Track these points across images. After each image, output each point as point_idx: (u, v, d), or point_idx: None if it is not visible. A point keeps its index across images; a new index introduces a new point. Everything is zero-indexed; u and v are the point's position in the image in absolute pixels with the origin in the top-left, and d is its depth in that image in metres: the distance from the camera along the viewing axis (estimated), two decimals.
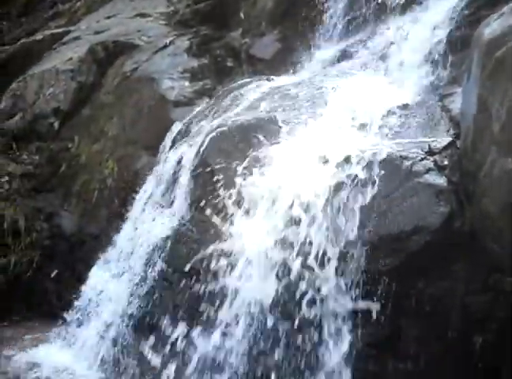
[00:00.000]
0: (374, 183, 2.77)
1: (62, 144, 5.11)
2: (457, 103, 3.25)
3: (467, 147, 2.77)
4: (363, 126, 3.32)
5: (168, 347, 3.13)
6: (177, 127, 4.11)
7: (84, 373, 3.72)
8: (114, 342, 3.65)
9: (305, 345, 2.81)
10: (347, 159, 2.87)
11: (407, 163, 2.83)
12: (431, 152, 2.90)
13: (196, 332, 3.02)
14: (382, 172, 2.79)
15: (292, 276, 2.76)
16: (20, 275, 4.73)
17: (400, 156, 2.87)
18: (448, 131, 3.14)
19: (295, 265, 2.75)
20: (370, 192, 2.74)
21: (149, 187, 3.95)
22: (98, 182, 4.57)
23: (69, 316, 4.07)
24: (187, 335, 3.08)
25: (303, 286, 2.74)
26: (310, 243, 2.75)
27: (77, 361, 3.81)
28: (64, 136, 5.17)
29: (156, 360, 3.19)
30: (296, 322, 2.76)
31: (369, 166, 2.82)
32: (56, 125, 5.25)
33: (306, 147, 3.10)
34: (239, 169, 3.23)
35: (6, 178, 5.27)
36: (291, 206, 2.83)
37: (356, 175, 2.78)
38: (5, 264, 4.82)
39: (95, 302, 3.90)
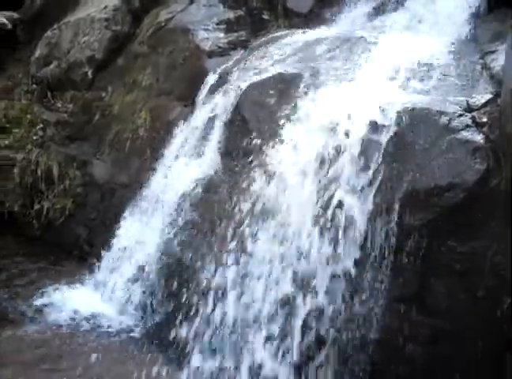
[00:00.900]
0: (410, 137, 2.72)
1: (95, 94, 5.13)
2: (499, 60, 3.16)
3: (507, 105, 2.70)
4: (400, 81, 3.26)
5: (199, 288, 3.19)
6: (211, 78, 4.09)
7: (115, 316, 3.83)
8: (144, 287, 3.74)
9: None
10: (384, 112, 2.82)
11: (444, 119, 2.78)
12: (469, 109, 2.84)
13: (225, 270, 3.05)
14: (419, 127, 2.75)
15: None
16: (53, 221, 4.83)
17: (438, 112, 2.82)
18: (488, 89, 3.07)
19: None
20: (407, 146, 2.70)
21: (182, 137, 3.96)
22: (130, 132, 4.58)
23: (100, 261, 4.17)
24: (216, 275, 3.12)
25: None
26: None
27: (108, 305, 3.92)
28: (98, 85, 5.18)
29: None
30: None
31: (406, 120, 2.77)
32: (90, 74, 5.25)
33: (343, 99, 3.05)
34: (274, 119, 3.21)
35: (41, 125, 5.33)
36: (326, 153, 2.80)
37: (393, 128, 2.74)
38: (38, 211, 4.93)
39: (125, 249, 3.98)
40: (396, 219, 2.70)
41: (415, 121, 2.79)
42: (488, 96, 2.91)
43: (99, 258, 4.16)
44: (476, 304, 2.73)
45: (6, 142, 5.55)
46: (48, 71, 5.52)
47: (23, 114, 5.56)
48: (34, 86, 5.67)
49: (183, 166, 3.80)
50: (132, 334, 3.68)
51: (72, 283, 4.21)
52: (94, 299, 4.02)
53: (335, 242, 2.80)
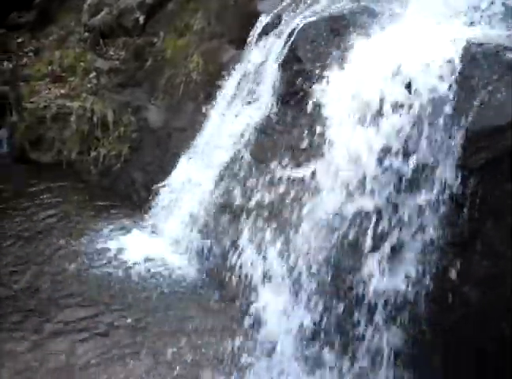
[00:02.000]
0: (474, 73, 2.62)
1: (147, 39, 5.14)
2: None
3: None
4: (463, 18, 3.12)
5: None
6: (264, 20, 4.01)
7: (172, 259, 3.93)
8: (199, 230, 3.81)
9: None
10: (445, 49, 2.71)
11: (508, 55, 2.66)
12: None
13: None
14: (484, 63, 2.64)
15: None
16: (109, 167, 4.94)
17: (505, 48, 2.69)
18: None
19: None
20: (470, 82, 2.60)
21: (235, 80, 3.94)
22: (183, 76, 4.59)
23: (156, 206, 4.25)
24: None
25: None
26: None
27: (165, 248, 4.01)
28: (149, 31, 5.18)
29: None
30: None
31: (470, 56, 2.66)
32: (141, 19, 5.25)
33: (401, 38, 2.95)
34: (329, 60, 3.15)
35: (94, 73, 5.40)
36: (388, 95, 2.73)
37: (456, 65, 2.64)
38: (95, 157, 5.04)
39: (181, 192, 4.04)
40: (456, 158, 2.63)
41: (480, 57, 2.67)
42: None
43: (155, 201, 4.25)
44: None
45: (62, 91, 5.65)
46: (100, 18, 5.56)
47: (77, 62, 5.63)
48: (86, 34, 5.72)
49: (238, 109, 3.79)
50: (188, 275, 3.77)
51: (129, 227, 4.32)
52: (151, 242, 4.12)
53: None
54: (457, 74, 2.63)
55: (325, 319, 2.85)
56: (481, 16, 3.15)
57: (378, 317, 2.75)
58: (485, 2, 3.22)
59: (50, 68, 5.89)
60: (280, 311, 2.99)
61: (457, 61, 2.63)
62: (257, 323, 3.04)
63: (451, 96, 2.66)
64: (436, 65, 2.63)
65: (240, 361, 2.94)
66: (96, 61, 5.39)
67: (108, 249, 4.05)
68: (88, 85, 5.29)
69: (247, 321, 3.08)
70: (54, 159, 5.21)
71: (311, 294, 2.91)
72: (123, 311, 3.43)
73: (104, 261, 3.93)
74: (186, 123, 4.44)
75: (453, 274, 2.77)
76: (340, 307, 2.82)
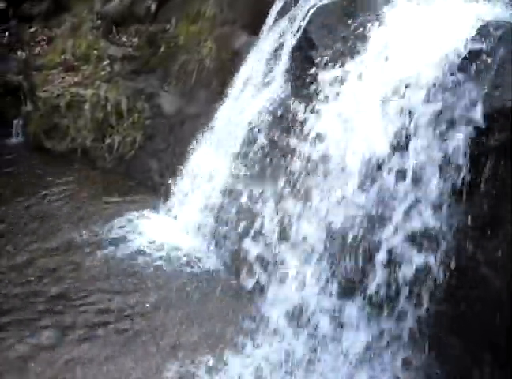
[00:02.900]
0: (491, 53, 2.60)
1: (159, 26, 5.14)
2: None
3: None
4: None
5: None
6: (277, 5, 4.00)
7: (186, 243, 3.95)
8: (216, 215, 3.84)
9: None
10: (465, 27, 2.69)
11: None
12: None
13: None
14: (503, 42, 2.62)
15: None
16: (124, 154, 4.97)
17: None
18: None
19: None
20: (487, 60, 2.58)
21: (249, 66, 3.93)
22: (196, 63, 4.59)
23: (172, 191, 4.28)
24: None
25: None
26: None
27: (181, 233, 4.04)
28: (161, 18, 5.19)
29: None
30: None
31: (489, 35, 2.64)
32: (153, 7, 5.27)
33: (415, 19, 2.93)
34: (343, 44, 3.14)
35: (107, 61, 5.41)
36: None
37: (476, 43, 2.62)
38: (110, 144, 5.07)
39: (196, 177, 4.06)
40: (474, 137, 2.62)
41: (501, 35, 2.65)
42: None
43: (170, 188, 4.27)
44: None
45: (76, 79, 5.68)
46: (112, 6, 5.57)
47: (90, 50, 5.65)
48: (99, 22, 5.73)
49: (251, 95, 3.79)
50: (205, 260, 3.80)
51: (145, 213, 4.35)
52: (166, 227, 4.15)
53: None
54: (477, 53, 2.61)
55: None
56: None
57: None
58: None
59: (63, 57, 5.92)
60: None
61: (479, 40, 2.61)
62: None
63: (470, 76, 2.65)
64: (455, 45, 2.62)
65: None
66: (109, 48, 5.41)
67: (124, 235, 4.08)
68: (102, 73, 5.31)
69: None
70: (68, 147, 5.24)
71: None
72: (141, 296, 3.48)
73: (120, 246, 3.97)
74: (199, 110, 4.45)
75: (472, 254, 2.78)
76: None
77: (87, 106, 5.26)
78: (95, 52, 5.50)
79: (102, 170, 5.00)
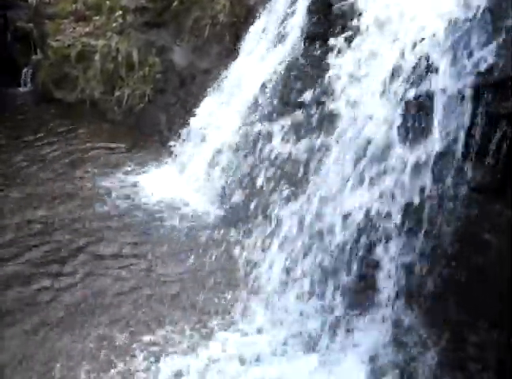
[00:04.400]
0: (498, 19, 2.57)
1: None
2: None
3: None
4: None
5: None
6: None
7: (193, 197, 3.99)
8: (222, 170, 3.86)
9: None
10: None
11: None
12: None
13: None
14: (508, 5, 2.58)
15: None
16: (133, 106, 4.97)
17: None
18: None
19: None
20: (496, 28, 2.56)
21: (263, 22, 3.90)
22: (210, 18, 4.55)
23: (179, 145, 4.29)
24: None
25: None
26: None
27: (188, 187, 4.07)
28: None
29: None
30: None
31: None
32: None
33: None
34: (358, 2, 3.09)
35: (120, 12, 5.36)
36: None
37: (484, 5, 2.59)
38: (119, 97, 5.07)
39: (205, 132, 4.07)
40: (483, 105, 2.62)
41: None
42: None
43: (178, 142, 4.28)
44: None
45: (87, 29, 5.64)
46: None
47: (102, 0, 5.60)
48: None
49: (264, 52, 3.77)
50: (209, 215, 3.84)
51: (153, 165, 4.40)
52: (174, 181, 4.19)
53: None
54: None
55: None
56: None
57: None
58: None
59: (74, 6, 5.87)
60: None
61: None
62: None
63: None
64: None
65: None
66: None
67: (133, 186, 4.14)
68: (114, 24, 5.27)
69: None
70: (78, 98, 5.25)
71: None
72: (141, 246, 3.52)
73: (127, 198, 4.01)
74: (211, 65, 4.43)
75: (475, 219, 2.80)
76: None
77: (97, 57, 5.25)
78: (107, 2, 5.45)
79: (111, 122, 5.02)
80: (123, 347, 2.68)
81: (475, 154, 2.73)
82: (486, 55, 2.60)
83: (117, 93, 5.05)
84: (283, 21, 3.74)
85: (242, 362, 2.62)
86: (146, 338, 2.73)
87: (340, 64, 2.86)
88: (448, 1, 2.59)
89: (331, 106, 2.81)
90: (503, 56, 2.57)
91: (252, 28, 3.99)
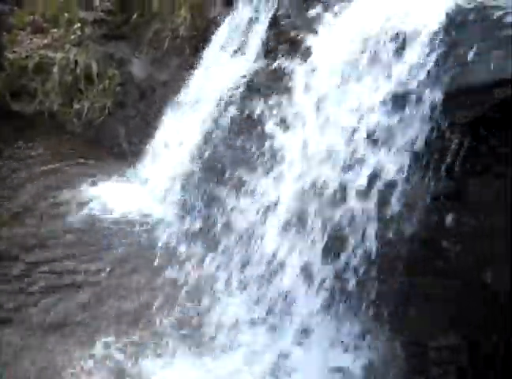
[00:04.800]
0: (459, 32, 2.67)
1: None
2: None
3: None
4: None
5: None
6: None
7: (154, 210, 3.96)
8: (184, 182, 3.85)
9: None
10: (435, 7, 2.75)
11: (496, 14, 2.70)
12: None
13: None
14: (470, 22, 2.68)
15: None
16: (93, 119, 4.91)
17: (492, 6, 2.73)
18: None
19: None
20: (454, 40, 2.65)
21: (223, 35, 3.93)
22: (170, 31, 4.56)
23: (139, 158, 4.27)
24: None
25: None
26: None
27: (149, 199, 4.05)
28: None
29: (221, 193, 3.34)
30: None
31: (457, 14, 2.70)
32: None
33: None
34: (319, 15, 3.15)
35: (78, 24, 5.31)
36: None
37: (442, 21, 2.68)
38: (79, 110, 5.00)
39: (165, 145, 4.06)
40: (439, 115, 2.69)
41: (466, 16, 2.71)
42: None
43: (138, 155, 4.26)
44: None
45: (45, 41, 5.56)
46: None
47: (60, 12, 5.53)
48: None
49: (224, 65, 3.80)
50: (171, 228, 3.82)
51: (113, 178, 4.34)
52: (135, 194, 4.16)
53: None
54: (443, 32, 2.68)
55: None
56: None
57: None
58: None
59: (32, 18, 5.78)
60: None
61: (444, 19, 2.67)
62: None
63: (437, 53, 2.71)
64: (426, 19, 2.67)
65: None
66: (80, 12, 5.30)
67: (93, 199, 4.08)
68: (72, 36, 5.21)
69: None
70: (36, 110, 5.16)
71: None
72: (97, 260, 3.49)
73: (86, 211, 3.96)
74: (170, 77, 4.44)
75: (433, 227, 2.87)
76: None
77: (56, 70, 5.17)
78: (65, 14, 5.38)
79: (71, 135, 4.94)
80: None
81: (433, 162, 2.81)
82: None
83: (76, 106, 4.99)
84: (244, 34, 3.78)
85: None
86: None
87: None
88: None
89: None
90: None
91: (213, 41, 4.02)
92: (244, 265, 3.07)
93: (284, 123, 3.07)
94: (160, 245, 3.50)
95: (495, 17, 2.69)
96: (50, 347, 2.80)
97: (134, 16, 4.92)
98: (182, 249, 3.47)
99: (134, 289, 3.25)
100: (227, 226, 3.17)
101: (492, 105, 2.64)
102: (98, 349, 2.78)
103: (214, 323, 2.91)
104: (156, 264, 3.33)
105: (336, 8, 3.09)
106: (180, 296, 3.08)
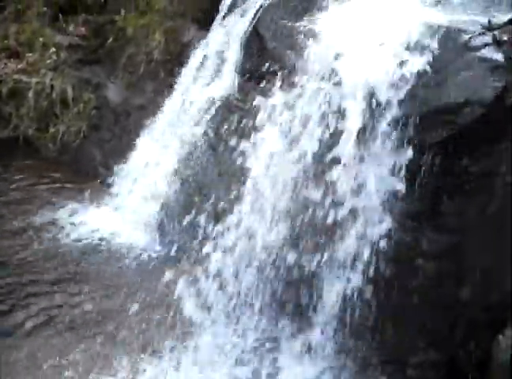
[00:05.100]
0: (429, 55, 2.74)
1: (108, 17, 5.08)
2: None
3: None
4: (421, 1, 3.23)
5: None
6: None
7: (131, 235, 3.95)
8: (161, 206, 3.85)
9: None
10: (404, 29, 2.82)
11: (464, 37, 2.79)
12: (490, 28, 2.83)
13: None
14: (439, 45, 2.76)
15: None
16: (68, 143, 4.89)
17: (459, 30, 2.82)
18: (510, 10, 3.05)
19: None
20: (425, 63, 2.72)
21: (197, 59, 3.96)
22: (144, 55, 4.59)
23: (116, 182, 4.26)
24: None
25: None
26: None
27: (124, 224, 4.03)
28: (110, 8, 5.12)
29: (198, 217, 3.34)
30: None
31: (426, 37, 2.78)
32: None
33: (361, 16, 3.04)
34: (292, 39, 3.21)
35: (53, 49, 5.31)
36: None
37: (412, 45, 2.75)
38: (54, 134, 4.98)
39: (142, 169, 4.06)
40: (412, 135, 2.75)
41: (436, 39, 2.79)
42: (510, 16, 2.90)
43: (115, 179, 4.25)
44: (485, 220, 2.81)
45: (19, 66, 5.54)
46: None
47: (35, 37, 5.53)
48: (45, 9, 5.61)
49: (199, 88, 3.83)
50: (147, 253, 3.80)
51: (89, 203, 4.30)
52: (110, 219, 4.13)
53: None
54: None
55: None
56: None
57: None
58: None
59: (6, 42, 5.77)
60: None
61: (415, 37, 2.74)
62: None
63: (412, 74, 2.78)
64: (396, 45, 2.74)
65: None
66: (55, 36, 5.30)
67: (67, 224, 4.05)
68: (48, 61, 5.20)
69: None
70: (10, 135, 5.12)
71: None
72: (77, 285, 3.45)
73: (61, 237, 3.93)
74: (145, 101, 4.46)
75: (408, 246, 2.91)
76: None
77: (31, 94, 5.15)
78: (40, 39, 5.38)
79: (46, 159, 4.90)
80: None
81: (408, 182, 2.86)
82: None
83: (51, 130, 4.96)
84: (218, 57, 3.82)
85: None
86: None
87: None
88: None
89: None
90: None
91: (187, 65, 4.05)
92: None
93: (253, 145, 3.11)
94: (132, 268, 3.47)
95: (462, 40, 2.77)
96: None
97: (109, 40, 4.94)
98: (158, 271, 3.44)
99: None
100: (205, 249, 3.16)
101: (462, 125, 2.70)
102: None
103: None
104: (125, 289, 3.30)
105: None
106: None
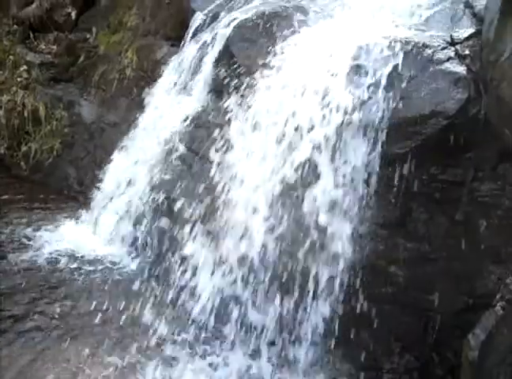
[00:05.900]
0: (394, 70, 2.84)
1: (80, 35, 5.13)
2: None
3: (489, 37, 2.81)
4: (388, 19, 3.35)
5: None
6: (199, 17, 4.11)
7: (106, 250, 3.94)
8: (134, 222, 3.85)
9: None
10: (369, 47, 2.92)
11: (428, 51, 2.90)
12: (452, 43, 2.95)
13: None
14: (403, 60, 2.86)
15: None
16: (41, 162, 4.88)
17: (423, 45, 2.93)
18: (470, 25, 3.17)
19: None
20: (391, 78, 2.81)
21: (169, 76, 4.00)
22: (117, 72, 4.62)
23: (90, 200, 4.25)
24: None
25: None
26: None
27: (99, 239, 4.03)
28: (82, 26, 5.18)
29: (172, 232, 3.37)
30: None
31: (391, 54, 2.88)
32: (73, 14, 5.24)
33: (331, 36, 3.13)
34: (262, 58, 3.28)
35: (25, 67, 5.31)
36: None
37: (377, 62, 2.85)
38: (26, 152, 4.96)
39: (115, 186, 4.06)
40: (380, 146, 2.83)
41: (399, 55, 2.90)
42: (471, 31, 3.02)
43: (89, 196, 4.25)
44: (454, 227, 2.90)
45: None
46: (30, 11, 5.47)
47: (5, 55, 5.52)
48: (15, 27, 5.61)
49: (172, 105, 3.86)
50: (122, 269, 3.80)
51: (62, 221, 4.29)
52: (85, 236, 4.12)
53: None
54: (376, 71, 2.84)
55: None
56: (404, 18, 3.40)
57: None
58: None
59: None
60: None
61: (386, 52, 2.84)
62: None
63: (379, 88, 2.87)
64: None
65: None
66: (26, 54, 5.30)
67: (42, 242, 4.01)
68: (19, 79, 5.20)
69: None
70: None
71: None
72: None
73: (35, 254, 3.88)
74: (119, 118, 4.48)
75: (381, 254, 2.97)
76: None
77: (1, 113, 5.13)
78: (11, 57, 5.38)
79: (18, 178, 4.88)
80: None
81: (378, 191, 2.94)
82: None
83: (24, 148, 4.94)
84: (190, 74, 3.87)
85: None
86: None
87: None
88: None
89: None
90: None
91: (160, 82, 4.09)
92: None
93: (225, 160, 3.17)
94: (108, 285, 3.46)
95: (426, 55, 2.87)
96: None
97: (81, 58, 4.96)
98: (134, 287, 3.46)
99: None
100: (180, 265, 3.19)
101: (428, 136, 2.80)
102: None
103: None
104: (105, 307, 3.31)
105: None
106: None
